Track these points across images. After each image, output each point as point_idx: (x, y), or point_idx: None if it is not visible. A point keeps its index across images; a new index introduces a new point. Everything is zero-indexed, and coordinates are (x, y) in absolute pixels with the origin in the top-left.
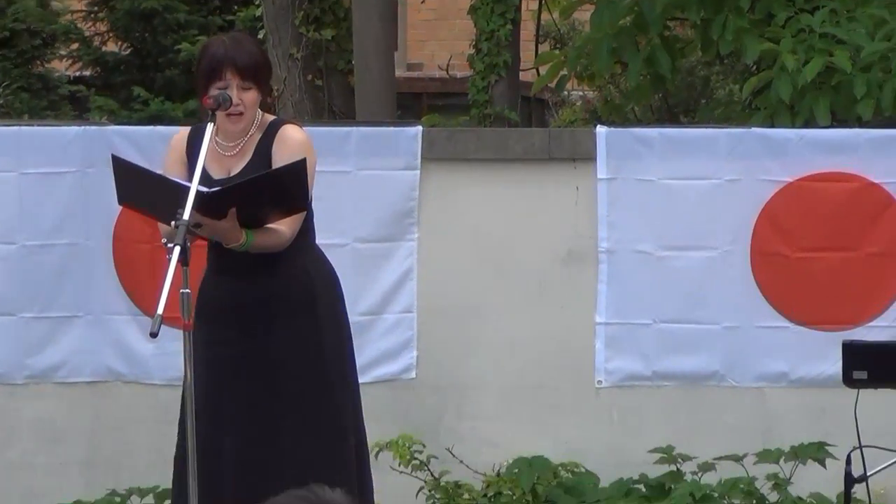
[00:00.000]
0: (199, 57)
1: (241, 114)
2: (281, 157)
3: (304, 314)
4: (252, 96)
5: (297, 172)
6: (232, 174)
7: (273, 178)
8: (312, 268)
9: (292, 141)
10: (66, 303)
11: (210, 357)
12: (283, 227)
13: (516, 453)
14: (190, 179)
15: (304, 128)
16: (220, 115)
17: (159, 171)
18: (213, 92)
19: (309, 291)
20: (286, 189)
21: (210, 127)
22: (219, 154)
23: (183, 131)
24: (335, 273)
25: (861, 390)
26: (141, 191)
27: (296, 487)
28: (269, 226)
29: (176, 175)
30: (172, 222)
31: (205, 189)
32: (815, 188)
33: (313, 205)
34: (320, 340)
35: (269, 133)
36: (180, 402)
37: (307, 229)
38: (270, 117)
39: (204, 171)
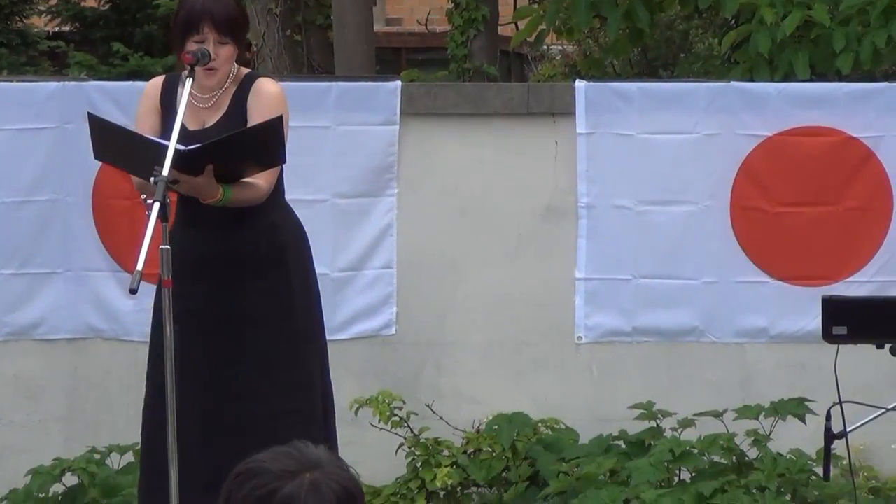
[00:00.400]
0: (177, 9)
1: (215, 68)
2: (256, 110)
3: (274, 269)
4: (228, 51)
5: (274, 128)
6: (207, 126)
7: (250, 135)
8: (282, 223)
9: (267, 95)
10: (46, 259)
11: (178, 311)
12: (260, 181)
13: (496, 410)
14: (163, 128)
15: (282, 83)
16: (199, 72)
17: (134, 128)
18: (192, 47)
19: (278, 247)
20: (263, 145)
21: (189, 82)
22: (194, 106)
23: (157, 79)
24: (303, 229)
25: (841, 346)
26: (117, 148)
27: (268, 442)
28: (246, 180)
29: (149, 123)
30: (151, 178)
31: (182, 147)
32: (794, 142)
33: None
34: (290, 295)
35: (244, 86)
36: (148, 356)
37: (277, 184)
38: (245, 70)
39: (180, 124)
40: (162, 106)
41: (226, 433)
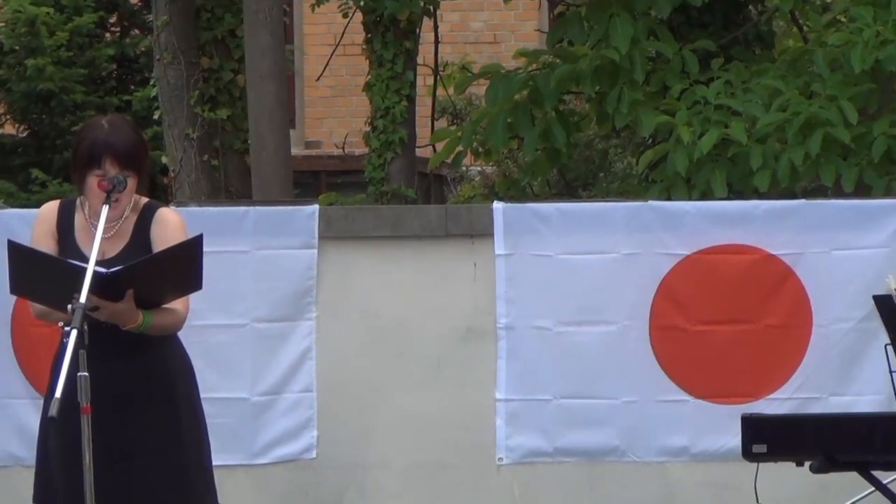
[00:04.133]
0: (78, 141)
1: (117, 200)
2: (161, 238)
3: (162, 402)
4: (131, 183)
5: (194, 248)
6: (108, 256)
7: (171, 255)
8: (171, 356)
9: (172, 224)
10: None
11: (69, 434)
12: (179, 307)
13: None
14: (59, 254)
15: (200, 208)
16: (98, 200)
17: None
18: (93, 181)
19: (168, 380)
20: (184, 267)
21: (105, 209)
22: (93, 235)
23: (52, 204)
24: (190, 361)
25: (761, 464)
26: (35, 276)
27: None
28: (166, 306)
29: (45, 248)
30: (69, 306)
31: (103, 270)
32: (712, 261)
33: None
34: (178, 429)
35: (146, 215)
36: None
37: None
38: (144, 200)
39: (80, 252)
40: (58, 230)
41: None
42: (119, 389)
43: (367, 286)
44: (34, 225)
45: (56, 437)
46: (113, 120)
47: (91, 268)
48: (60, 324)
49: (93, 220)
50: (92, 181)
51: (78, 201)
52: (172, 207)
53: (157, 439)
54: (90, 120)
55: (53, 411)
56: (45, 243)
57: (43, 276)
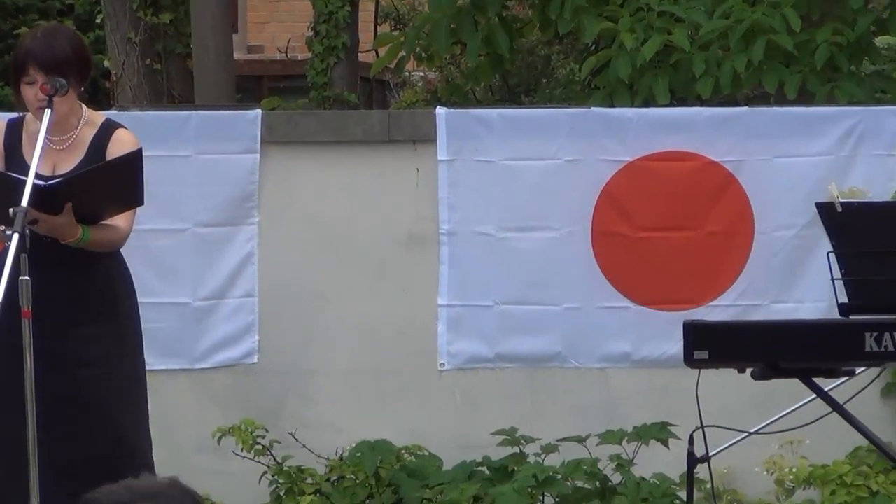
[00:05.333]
0: (15, 49)
1: (41, 108)
2: (116, 155)
3: (106, 315)
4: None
5: (134, 163)
6: (58, 170)
7: (110, 170)
8: (115, 269)
9: (128, 144)
10: None
11: (11, 345)
12: (120, 223)
13: (359, 437)
14: (8, 170)
15: (142, 112)
16: (32, 108)
17: None
18: (27, 91)
19: (112, 293)
20: (123, 181)
21: (48, 113)
22: (47, 147)
23: None
24: (131, 277)
25: (703, 370)
26: None
27: (98, 483)
28: (106, 222)
29: None
30: (10, 209)
31: (41, 182)
32: (655, 167)
33: None
34: (121, 342)
35: (103, 133)
36: None
37: None
38: (101, 116)
39: (27, 167)
40: (5, 147)
41: (55, 473)
42: (62, 300)
43: (310, 191)
44: None
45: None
46: (48, 28)
47: (32, 174)
48: (2, 227)
49: (47, 135)
50: (24, 90)
51: (26, 118)
52: (115, 112)
53: (100, 350)
54: (27, 30)
55: None
56: None
57: None
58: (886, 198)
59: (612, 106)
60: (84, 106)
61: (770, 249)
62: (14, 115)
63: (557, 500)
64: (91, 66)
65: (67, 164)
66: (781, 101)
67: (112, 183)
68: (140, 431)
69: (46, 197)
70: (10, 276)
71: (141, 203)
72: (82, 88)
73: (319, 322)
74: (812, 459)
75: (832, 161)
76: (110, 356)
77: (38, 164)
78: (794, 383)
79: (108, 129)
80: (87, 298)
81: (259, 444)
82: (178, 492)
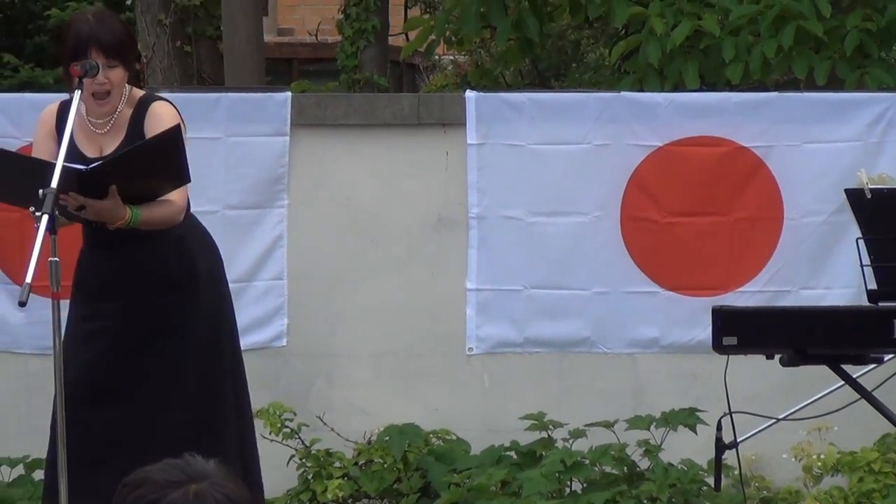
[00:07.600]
0: (65, 36)
1: (108, 92)
2: (153, 131)
3: (185, 281)
4: (118, 74)
5: (173, 138)
6: (105, 153)
7: (148, 149)
8: (189, 235)
9: (164, 116)
10: None
11: (89, 330)
12: (173, 196)
13: (387, 421)
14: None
15: (172, 94)
16: (87, 96)
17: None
18: (82, 61)
19: (188, 259)
20: (164, 158)
21: (77, 94)
22: (90, 132)
23: (52, 106)
24: (212, 240)
25: (731, 356)
26: (9, 177)
27: (168, 453)
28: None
29: (46, 149)
30: (40, 191)
31: (82, 167)
32: (684, 153)
33: None
34: (199, 307)
35: (140, 111)
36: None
37: None
38: (140, 92)
39: (77, 150)
40: (58, 131)
41: (131, 452)
42: (139, 271)
43: (339, 174)
44: (36, 128)
45: (78, 321)
46: (98, 12)
47: (61, 157)
48: (31, 209)
49: (89, 118)
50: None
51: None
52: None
53: (181, 317)
54: (76, 14)
55: (23, 297)
56: (46, 145)
57: (16, 178)
58: None
59: (641, 91)
60: (127, 86)
61: (799, 235)
62: (65, 96)
63: (585, 485)
64: (136, 48)
65: (111, 146)
66: (811, 86)
67: (153, 162)
68: (231, 391)
69: (88, 181)
70: (81, 266)
71: (188, 180)
72: (135, 73)
73: (348, 305)
74: (840, 446)
75: (861, 147)
76: (192, 321)
77: (85, 149)
78: (822, 370)
79: (144, 105)
80: (161, 268)
81: (287, 427)
82: (226, 478)
